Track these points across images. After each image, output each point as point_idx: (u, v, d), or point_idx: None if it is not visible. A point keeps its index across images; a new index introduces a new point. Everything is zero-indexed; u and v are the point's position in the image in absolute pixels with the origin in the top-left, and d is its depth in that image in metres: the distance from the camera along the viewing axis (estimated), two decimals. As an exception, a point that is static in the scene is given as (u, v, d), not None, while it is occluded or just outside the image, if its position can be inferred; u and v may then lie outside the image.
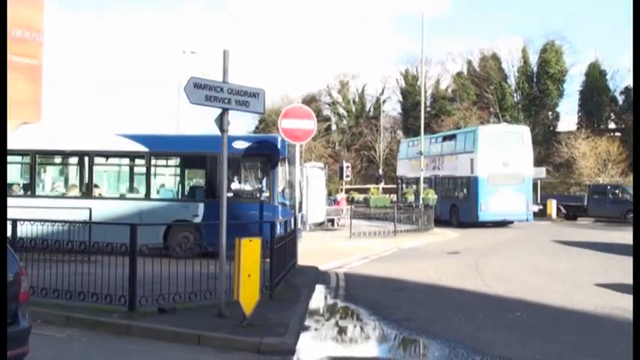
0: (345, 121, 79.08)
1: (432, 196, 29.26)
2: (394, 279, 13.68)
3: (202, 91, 8.61)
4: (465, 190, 29.79)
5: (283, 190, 16.70)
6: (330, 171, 48.40)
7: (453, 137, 33.04)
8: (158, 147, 16.85)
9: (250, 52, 78.26)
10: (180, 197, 16.99)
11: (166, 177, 18.28)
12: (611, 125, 65.44)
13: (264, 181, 16.38)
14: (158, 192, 17.11)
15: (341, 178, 35.85)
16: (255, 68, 61.26)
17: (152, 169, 17.03)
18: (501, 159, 28.20)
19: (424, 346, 8.44)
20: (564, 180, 53.50)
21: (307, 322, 9.46)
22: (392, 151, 62.65)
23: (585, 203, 35.66)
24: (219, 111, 9.00)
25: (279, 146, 16.01)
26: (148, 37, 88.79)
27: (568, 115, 68.54)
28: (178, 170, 18.48)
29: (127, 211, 15.52)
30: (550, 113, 68.11)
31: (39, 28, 31.78)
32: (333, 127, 78.26)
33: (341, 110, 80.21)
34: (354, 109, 78.75)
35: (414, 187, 32.63)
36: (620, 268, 15.46)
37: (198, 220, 15.82)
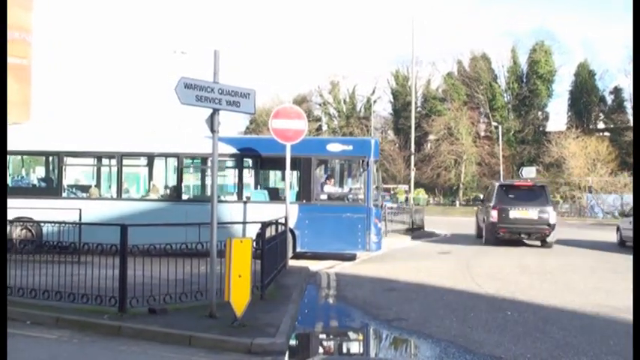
0: (335, 122, 79.16)
1: (423, 196, 29.39)
2: (385, 279, 13.69)
3: (193, 91, 8.57)
4: None
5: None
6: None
7: None
8: (249, 150, 16.67)
9: (241, 53, 78.11)
10: (270, 199, 16.46)
11: (255, 179, 17.84)
12: (600, 125, 66.00)
13: (358, 183, 16.51)
14: (249, 194, 16.83)
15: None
16: (246, 68, 61.28)
17: (244, 172, 17.10)
18: None
19: (415, 346, 8.45)
20: (554, 180, 53.79)
21: (298, 323, 9.46)
22: (383, 152, 62.74)
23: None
24: (210, 111, 8.97)
25: (373, 148, 16.09)
26: (138, 36, 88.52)
27: (558, 115, 69.12)
28: (271, 172, 18.60)
29: (220, 212, 15.28)
30: (540, 113, 68.58)
31: (28, 29, 31.62)
32: (324, 128, 78.31)
33: (332, 110, 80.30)
34: (344, 110, 78.84)
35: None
36: (607, 267, 15.61)
37: (291, 221, 15.21)
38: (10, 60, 28.45)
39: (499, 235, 21.01)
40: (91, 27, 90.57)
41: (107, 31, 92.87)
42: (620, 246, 21.71)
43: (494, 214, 20.92)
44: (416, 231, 26.68)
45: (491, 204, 21.26)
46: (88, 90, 78.36)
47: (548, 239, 20.92)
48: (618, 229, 22.74)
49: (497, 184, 23.44)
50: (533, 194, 21.62)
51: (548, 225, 20.68)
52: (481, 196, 33.01)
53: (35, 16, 30.14)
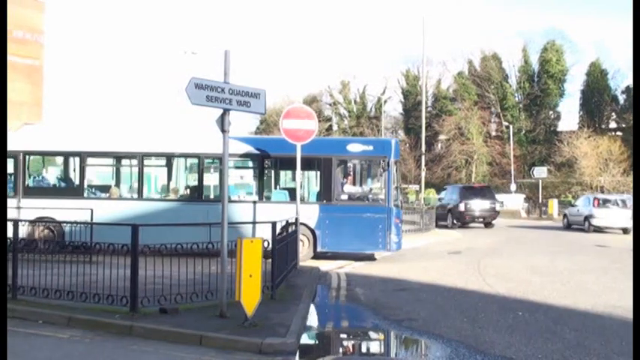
0: (346, 122, 79.05)
1: (434, 196, 29.71)
2: (396, 279, 13.68)
3: (203, 91, 8.58)
4: None
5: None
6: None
7: None
8: (270, 150, 16.66)
9: (251, 53, 78.28)
10: (291, 199, 16.21)
11: (275, 179, 18.01)
12: (613, 125, 65.45)
13: (378, 183, 16.57)
14: (269, 194, 16.93)
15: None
16: (257, 68, 61.40)
17: (265, 172, 17.19)
18: None
19: (426, 346, 8.44)
20: (565, 180, 53.50)
21: (309, 323, 9.46)
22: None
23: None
24: (221, 111, 8.98)
25: (393, 149, 16.16)
26: (148, 37, 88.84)
27: (569, 114, 68.58)
28: (291, 173, 18.70)
29: (237, 212, 15.37)
30: (551, 113, 68.05)
31: (40, 30, 31.81)
32: (335, 128, 78.18)
33: (342, 110, 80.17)
34: (355, 110, 78.71)
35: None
36: (618, 267, 15.50)
37: (312, 221, 15.71)
38: (22, 61, 28.69)
39: (465, 220, 30.90)
40: (103, 28, 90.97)
41: (118, 32, 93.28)
42: (566, 228, 30.36)
43: (461, 206, 30.64)
44: (426, 231, 26.63)
45: (458, 200, 31.05)
46: (99, 90, 78.71)
47: (493, 222, 31.51)
48: (565, 215, 31.71)
49: (460, 186, 35.01)
50: (484, 192, 32.26)
51: (496, 212, 31.71)
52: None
53: (47, 17, 30.31)
